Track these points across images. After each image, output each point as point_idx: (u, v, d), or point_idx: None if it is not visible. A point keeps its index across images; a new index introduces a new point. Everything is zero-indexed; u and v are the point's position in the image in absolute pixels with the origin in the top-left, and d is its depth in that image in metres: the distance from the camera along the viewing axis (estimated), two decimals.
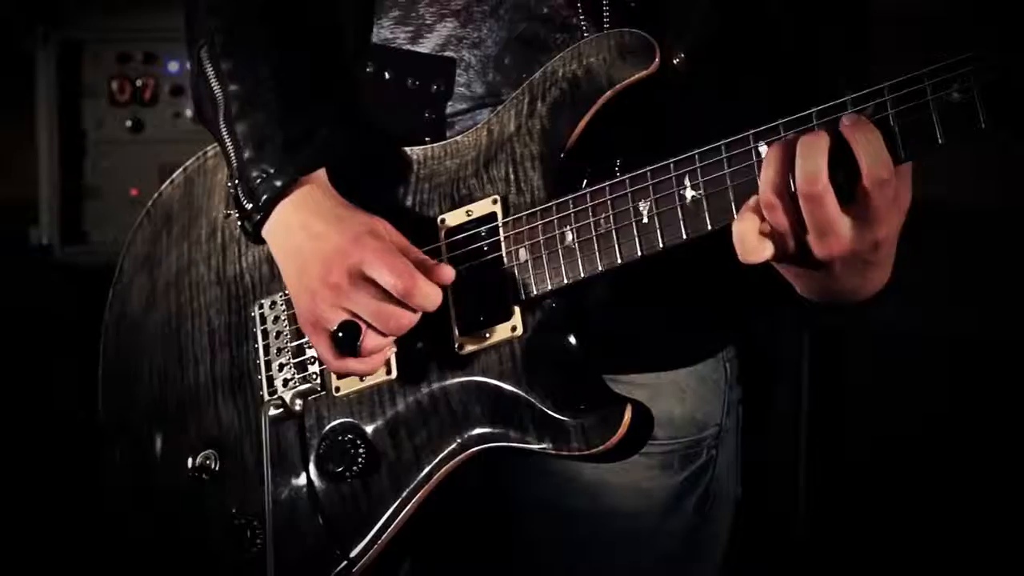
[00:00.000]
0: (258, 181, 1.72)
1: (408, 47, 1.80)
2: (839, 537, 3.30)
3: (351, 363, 1.68)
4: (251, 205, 1.73)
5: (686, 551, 1.88)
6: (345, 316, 1.65)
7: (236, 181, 1.75)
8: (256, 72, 1.78)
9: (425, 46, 1.79)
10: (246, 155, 1.74)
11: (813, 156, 1.41)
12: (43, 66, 3.49)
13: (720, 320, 1.86)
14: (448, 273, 1.67)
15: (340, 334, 1.64)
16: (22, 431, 3.49)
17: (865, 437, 3.30)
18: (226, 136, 1.77)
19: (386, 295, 1.64)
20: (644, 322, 1.77)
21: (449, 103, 1.79)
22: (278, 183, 1.72)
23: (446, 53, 1.78)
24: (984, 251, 3.12)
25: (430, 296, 1.65)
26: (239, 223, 1.78)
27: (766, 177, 1.44)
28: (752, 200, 1.47)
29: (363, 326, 1.64)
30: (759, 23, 1.73)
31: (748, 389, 1.94)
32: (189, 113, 3.50)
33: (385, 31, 1.82)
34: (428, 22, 1.79)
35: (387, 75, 1.82)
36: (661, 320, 1.78)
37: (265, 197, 1.72)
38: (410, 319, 1.65)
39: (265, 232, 1.75)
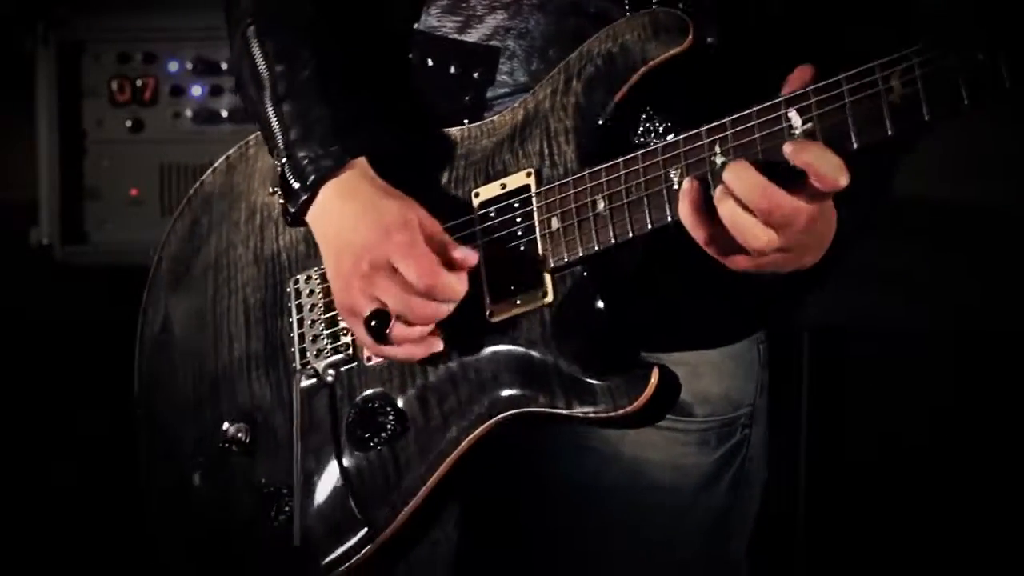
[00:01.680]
0: (305, 161, 1.76)
1: (455, 36, 1.83)
2: (839, 537, 3.30)
3: (387, 349, 1.72)
4: (299, 184, 1.76)
5: (720, 527, 1.91)
6: (376, 305, 1.69)
7: (283, 160, 1.78)
8: (303, 53, 1.81)
9: (472, 36, 1.83)
10: (293, 135, 1.78)
11: (748, 184, 1.49)
12: (43, 66, 3.49)
13: (754, 303, 1.88)
14: (471, 258, 1.70)
15: (372, 323, 1.68)
16: (22, 431, 3.49)
17: (865, 436, 3.30)
18: (272, 116, 1.80)
19: (412, 288, 1.67)
20: (685, 302, 1.80)
21: (490, 89, 1.82)
22: (327, 163, 1.75)
23: (492, 42, 1.82)
24: (984, 248, 3.12)
25: (454, 288, 1.68)
26: (281, 203, 1.81)
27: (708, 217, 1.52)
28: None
29: (392, 316, 1.68)
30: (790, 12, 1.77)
31: (772, 375, 1.96)
32: (189, 113, 3.50)
33: (432, 19, 1.85)
34: (479, 13, 1.82)
35: (430, 62, 1.85)
36: (700, 301, 1.80)
37: (313, 178, 1.75)
38: (436, 312, 1.69)
39: (308, 215, 1.78)
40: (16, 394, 3.48)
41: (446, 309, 1.69)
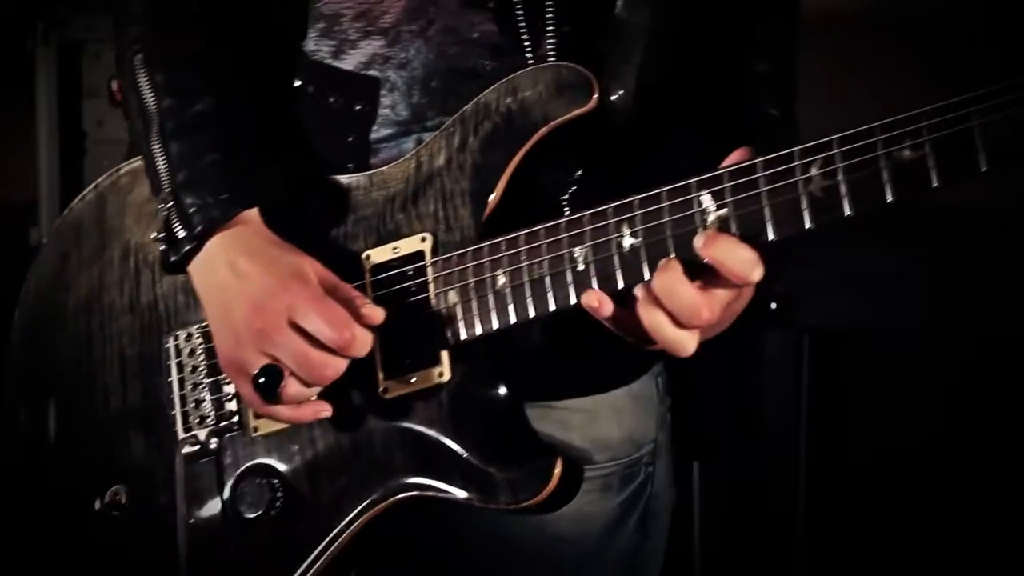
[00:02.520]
0: (192, 210, 1.63)
1: (329, 62, 1.72)
2: (839, 537, 3.30)
3: (278, 410, 1.61)
4: (184, 233, 1.63)
5: (630, 570, 1.85)
6: (267, 361, 1.56)
7: (169, 204, 1.65)
8: (196, 87, 1.69)
9: (348, 63, 1.72)
10: (180, 178, 1.65)
11: (677, 295, 1.41)
12: (43, 66, 3.49)
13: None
14: (377, 314, 1.59)
15: (261, 379, 1.56)
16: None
17: (865, 437, 3.30)
18: (158, 153, 1.67)
19: (313, 342, 1.56)
20: (577, 347, 1.69)
21: (373, 127, 1.71)
22: (215, 213, 1.62)
23: (370, 72, 1.70)
24: (982, 250, 3.13)
25: (365, 342, 1.56)
26: (163, 250, 1.66)
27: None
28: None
29: (286, 372, 1.56)
30: (698, 59, 1.69)
31: (676, 398, 1.91)
32: None
33: (310, 42, 1.74)
34: (352, 38, 1.71)
35: (310, 90, 1.75)
36: (593, 343, 1.66)
37: (201, 228, 1.62)
38: (336, 369, 1.57)
39: (191, 265, 1.65)
40: None
41: (343, 366, 1.57)
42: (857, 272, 3.06)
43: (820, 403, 3.29)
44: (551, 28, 1.66)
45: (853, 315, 3.14)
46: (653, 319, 1.43)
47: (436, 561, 1.78)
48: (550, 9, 1.66)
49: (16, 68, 3.48)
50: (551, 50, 1.66)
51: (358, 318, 1.57)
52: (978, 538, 3.14)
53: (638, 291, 1.45)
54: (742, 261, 1.39)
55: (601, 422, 1.78)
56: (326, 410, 1.62)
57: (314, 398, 1.61)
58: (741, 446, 3.39)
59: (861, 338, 3.27)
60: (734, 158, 1.44)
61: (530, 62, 1.65)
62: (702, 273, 1.42)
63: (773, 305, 3.05)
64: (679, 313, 1.41)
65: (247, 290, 1.59)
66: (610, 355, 1.72)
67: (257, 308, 1.58)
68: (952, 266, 3.11)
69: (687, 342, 1.44)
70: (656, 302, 1.43)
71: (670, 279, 1.42)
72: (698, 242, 1.40)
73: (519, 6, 1.66)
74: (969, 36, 3.14)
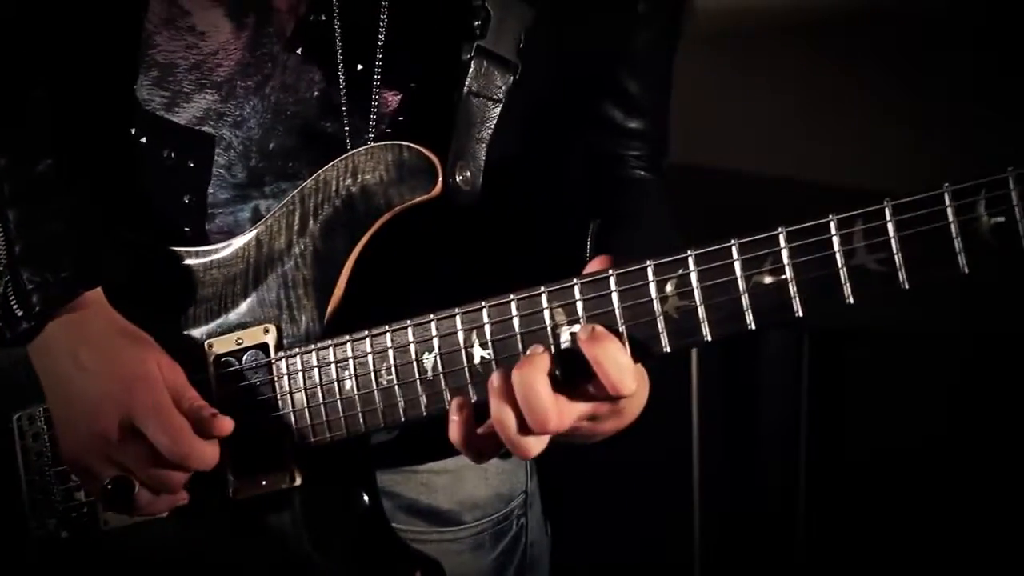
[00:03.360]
0: (31, 286, 1.51)
1: (162, 114, 1.63)
2: (839, 537, 3.30)
3: (139, 506, 1.52)
4: (22, 312, 1.52)
5: None
6: (114, 470, 1.49)
7: (5, 279, 1.54)
8: (33, 147, 1.58)
9: (181, 116, 1.62)
10: (18, 250, 1.53)
11: (534, 398, 1.30)
12: None
13: None
14: (226, 426, 1.49)
15: (111, 489, 1.49)
16: None
17: (865, 437, 3.30)
18: None
19: (155, 452, 1.48)
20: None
21: (209, 189, 1.62)
22: (55, 293, 1.52)
23: (204, 128, 1.62)
24: None
25: (206, 457, 1.48)
26: None
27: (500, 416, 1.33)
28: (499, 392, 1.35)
29: (136, 484, 1.49)
30: (556, 132, 1.63)
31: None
32: None
33: (143, 91, 1.63)
34: (186, 90, 1.62)
35: (143, 141, 1.64)
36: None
37: (39, 308, 1.51)
38: (183, 478, 1.50)
39: (30, 345, 1.55)
40: None
41: (183, 479, 1.50)
42: None
43: (820, 403, 3.29)
44: (399, 89, 1.59)
45: (853, 315, 3.13)
46: (501, 414, 1.33)
47: None
48: (401, 69, 1.59)
49: None
50: (395, 111, 1.59)
51: (204, 430, 1.49)
52: (978, 538, 3.14)
53: (493, 378, 1.34)
54: (619, 367, 1.29)
55: (466, 482, 1.73)
56: (182, 498, 1.54)
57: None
58: (741, 446, 3.39)
59: (861, 338, 3.27)
60: (594, 266, 1.37)
61: (371, 125, 1.58)
62: (565, 383, 1.33)
63: None
64: (529, 412, 1.31)
65: (89, 389, 1.50)
66: None
67: (99, 411, 1.49)
68: None
69: (531, 447, 1.34)
70: (508, 396, 1.32)
71: (531, 373, 1.31)
72: (582, 334, 1.31)
73: (370, 63, 1.59)
74: (968, 36, 3.14)
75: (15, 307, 1.53)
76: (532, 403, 1.30)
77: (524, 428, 1.32)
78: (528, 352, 1.35)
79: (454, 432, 1.37)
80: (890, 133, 3.15)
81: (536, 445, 1.34)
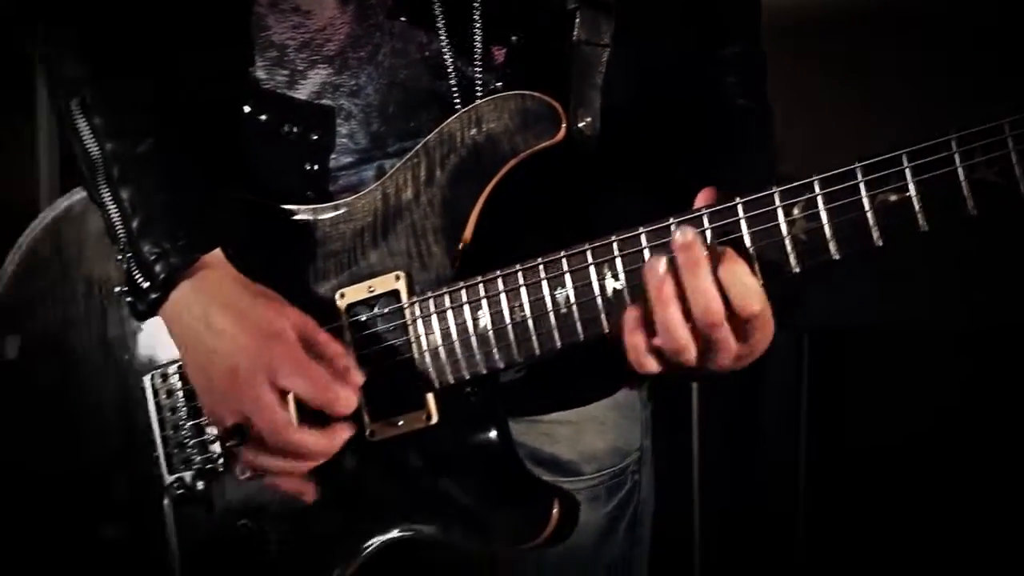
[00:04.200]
0: (152, 258, 1.57)
1: (284, 91, 1.68)
2: (839, 537, 3.30)
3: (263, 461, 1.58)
4: (148, 284, 1.58)
5: (622, 574, 1.85)
6: (238, 419, 1.54)
7: (128, 255, 1.60)
8: (139, 127, 1.64)
9: (301, 92, 1.68)
10: (135, 224, 1.59)
11: (702, 287, 1.37)
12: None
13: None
14: (359, 377, 1.55)
15: (227, 441, 1.56)
16: None
17: (865, 436, 3.30)
18: (108, 200, 1.63)
19: (283, 415, 1.53)
20: (560, 362, 1.64)
21: (332, 156, 1.67)
22: (175, 261, 1.57)
23: (323, 101, 1.67)
24: (982, 248, 3.13)
25: (350, 403, 1.54)
26: (128, 301, 1.62)
27: (659, 299, 1.39)
28: (635, 315, 1.42)
29: (249, 436, 1.54)
30: (663, 72, 1.68)
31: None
32: None
33: (262, 71, 1.69)
34: (300, 68, 1.67)
35: (263, 118, 1.69)
36: (576, 357, 1.64)
37: (163, 277, 1.57)
38: (303, 442, 1.54)
39: (161, 312, 1.61)
40: None
41: (312, 444, 1.54)
42: (856, 272, 3.05)
43: (820, 402, 3.29)
44: (502, 43, 1.64)
45: (853, 313, 3.14)
46: (665, 301, 1.39)
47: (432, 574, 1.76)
48: (501, 24, 1.63)
49: (16, 68, 3.48)
50: (503, 65, 1.64)
51: (341, 378, 1.54)
52: (978, 535, 3.14)
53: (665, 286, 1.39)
54: (744, 287, 1.36)
55: (586, 434, 1.77)
56: (309, 494, 1.59)
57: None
58: (741, 445, 3.39)
59: (861, 336, 3.27)
60: (701, 198, 1.42)
61: (479, 79, 1.63)
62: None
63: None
64: (698, 302, 1.37)
65: (223, 348, 1.55)
66: (592, 368, 1.71)
67: (234, 370, 1.54)
68: (952, 263, 3.10)
69: (637, 341, 1.41)
70: (675, 288, 1.38)
71: (704, 271, 1.37)
72: (710, 255, 1.37)
73: (470, 22, 1.64)
74: (968, 36, 3.14)
75: (140, 280, 1.59)
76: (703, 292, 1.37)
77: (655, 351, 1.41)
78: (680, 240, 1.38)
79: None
80: (890, 133, 3.15)
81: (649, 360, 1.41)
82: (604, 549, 1.81)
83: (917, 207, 1.32)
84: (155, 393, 1.71)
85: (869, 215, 1.34)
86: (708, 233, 1.40)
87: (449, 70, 1.64)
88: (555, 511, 1.55)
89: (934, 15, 3.24)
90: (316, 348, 1.55)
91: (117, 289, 1.70)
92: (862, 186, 1.34)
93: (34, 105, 3.51)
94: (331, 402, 1.53)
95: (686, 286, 1.38)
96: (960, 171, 1.30)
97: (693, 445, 3.25)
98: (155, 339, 1.70)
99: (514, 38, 1.63)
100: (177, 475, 1.69)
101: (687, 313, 1.38)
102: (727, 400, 3.36)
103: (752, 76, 1.75)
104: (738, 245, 1.38)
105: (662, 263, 1.38)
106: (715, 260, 1.37)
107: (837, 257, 1.36)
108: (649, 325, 1.41)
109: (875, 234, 1.34)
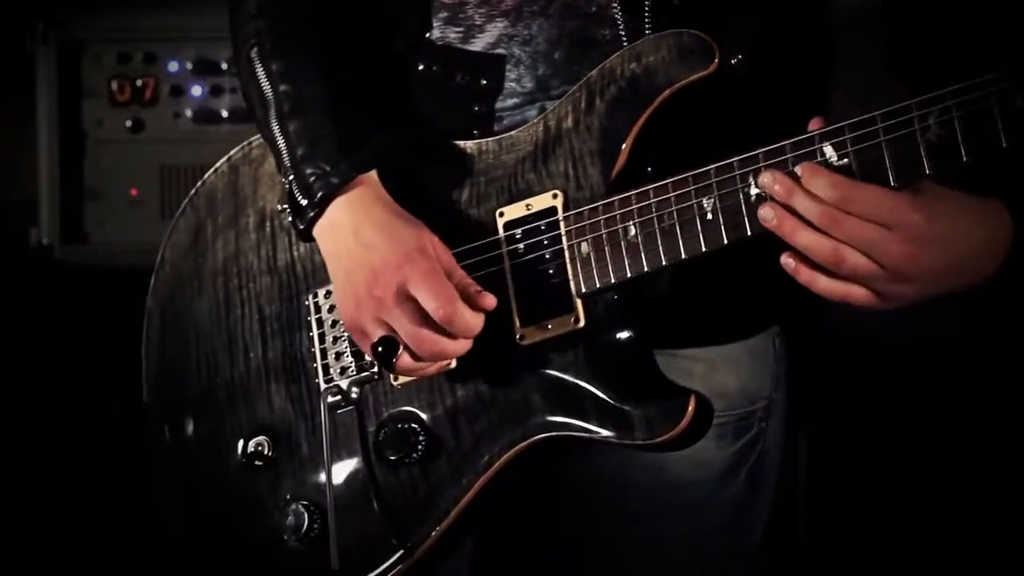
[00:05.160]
0: (312, 178, 1.76)
1: (459, 46, 1.84)
2: (839, 536, 3.30)
3: (399, 367, 1.71)
4: (306, 201, 1.76)
5: (738, 520, 1.94)
6: (384, 331, 1.68)
7: (291, 177, 1.78)
8: (308, 73, 1.82)
9: (476, 45, 1.83)
10: (299, 152, 1.78)
11: (866, 199, 1.50)
12: (43, 66, 3.49)
13: (768, 296, 1.89)
14: (490, 301, 1.70)
15: (379, 349, 1.67)
16: (22, 431, 3.49)
17: (865, 437, 3.30)
18: (278, 134, 1.81)
19: (426, 317, 1.67)
20: (701, 298, 1.81)
21: (499, 98, 1.83)
22: (334, 180, 1.75)
23: (497, 51, 1.82)
24: None
25: (470, 324, 1.67)
26: (290, 219, 1.80)
27: (808, 203, 1.51)
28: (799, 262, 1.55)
29: (401, 345, 1.67)
30: (812, 24, 1.82)
31: (792, 365, 1.98)
32: (189, 113, 3.50)
33: (435, 31, 1.85)
34: (478, 23, 1.83)
35: (435, 70, 1.85)
36: (717, 296, 1.81)
37: (321, 194, 1.75)
38: (445, 348, 1.68)
39: (316, 230, 1.78)
40: (15, 394, 3.48)
41: (454, 349, 1.69)
42: None
43: (820, 402, 3.29)
44: (668, 3, 1.75)
45: (853, 315, 3.13)
46: (787, 226, 1.52)
47: (556, 503, 1.88)
48: None
49: (16, 68, 3.48)
50: (668, 17, 1.75)
51: (471, 300, 1.69)
52: (978, 536, 3.14)
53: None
54: (878, 197, 1.48)
55: (720, 372, 1.88)
56: (451, 364, 1.73)
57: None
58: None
59: (862, 338, 3.27)
60: (814, 125, 1.54)
61: (648, 29, 1.74)
62: None
63: None
64: (811, 216, 1.50)
65: (369, 258, 1.71)
66: (730, 309, 1.86)
67: (376, 276, 1.69)
68: None
69: (824, 243, 1.51)
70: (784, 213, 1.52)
71: (790, 188, 1.51)
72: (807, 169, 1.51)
73: None
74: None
75: (300, 198, 1.77)
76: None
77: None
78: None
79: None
80: None
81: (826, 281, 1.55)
82: (725, 488, 1.90)
83: None
84: (316, 309, 1.88)
85: (999, 121, 1.44)
86: (848, 142, 1.51)
87: (617, 22, 1.75)
88: (691, 407, 1.66)
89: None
90: (453, 274, 1.70)
91: (279, 207, 1.89)
92: (992, 95, 1.44)
93: (34, 105, 3.50)
94: (450, 316, 1.65)
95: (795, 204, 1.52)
96: None
97: None
98: (318, 263, 1.86)
99: (675, 2, 1.75)
100: (333, 383, 1.84)
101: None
102: None
103: None
104: (876, 153, 1.50)
105: (765, 209, 1.53)
106: (802, 178, 1.50)
107: (966, 159, 1.46)
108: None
109: (1002, 137, 1.44)
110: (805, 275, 1.56)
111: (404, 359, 1.68)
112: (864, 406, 3.31)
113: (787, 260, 1.55)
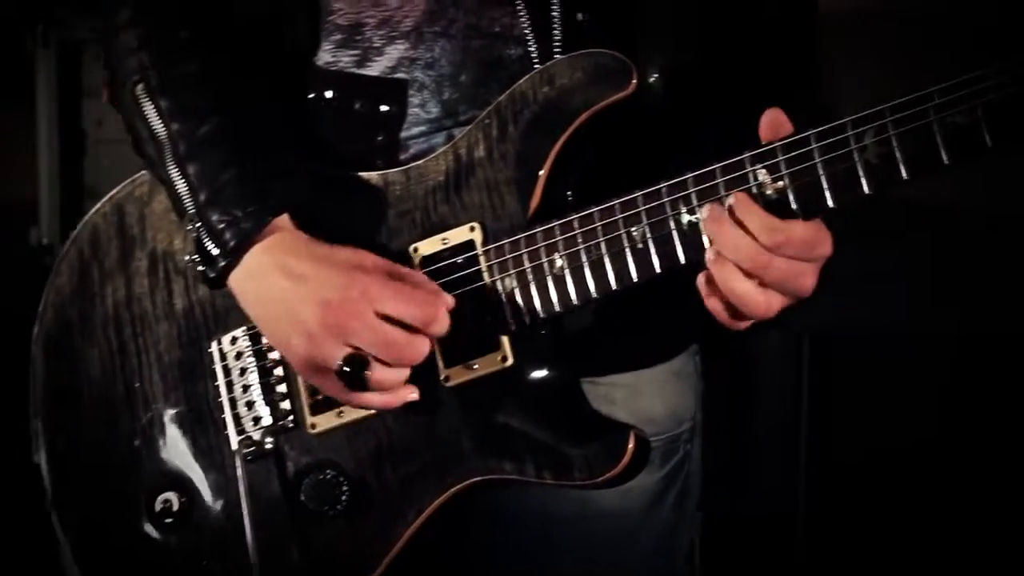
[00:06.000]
0: (222, 226, 1.63)
1: (353, 71, 1.74)
2: (839, 537, 3.30)
3: (369, 397, 1.61)
4: (218, 251, 1.63)
5: (668, 544, 1.89)
6: (349, 351, 1.58)
7: (197, 224, 1.65)
8: (200, 109, 1.69)
9: (374, 69, 1.73)
10: (202, 197, 1.65)
11: (731, 243, 1.47)
12: (43, 66, 3.49)
13: (688, 314, 1.81)
14: (449, 298, 1.61)
15: (347, 369, 1.58)
16: (22, 431, 3.49)
17: (864, 438, 3.30)
18: (176, 177, 1.68)
19: (392, 324, 1.58)
20: (621, 323, 1.73)
21: (403, 126, 1.73)
22: (246, 226, 1.62)
23: (397, 75, 1.72)
24: (977, 252, 3.13)
25: (443, 321, 1.59)
26: (200, 269, 1.67)
27: (743, 242, 1.48)
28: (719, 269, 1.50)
29: (370, 359, 1.58)
30: (730, 39, 1.74)
31: (711, 383, 1.96)
32: None
33: (327, 55, 1.75)
34: (377, 45, 1.73)
35: (331, 97, 1.75)
36: (637, 319, 1.73)
37: (234, 243, 1.62)
38: (420, 349, 1.59)
39: (231, 279, 1.66)
40: (15, 394, 3.47)
41: (426, 346, 1.59)
42: (856, 274, 3.05)
43: (820, 403, 3.29)
44: (574, 15, 1.69)
45: (852, 317, 3.14)
46: (722, 272, 1.48)
47: (482, 539, 1.81)
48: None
49: (16, 68, 3.48)
50: (578, 36, 1.68)
51: (436, 297, 1.60)
52: (976, 537, 3.14)
53: (708, 252, 1.50)
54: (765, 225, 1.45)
55: (644, 397, 1.82)
56: (413, 392, 1.62)
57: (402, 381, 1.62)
58: (741, 448, 3.39)
59: (860, 340, 3.27)
60: (767, 118, 1.49)
61: (558, 49, 1.68)
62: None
63: None
64: (743, 262, 1.47)
65: (311, 290, 1.60)
66: (651, 332, 1.79)
67: (327, 304, 1.58)
68: (948, 268, 3.11)
69: (758, 297, 1.49)
70: (721, 257, 1.48)
71: (725, 228, 1.47)
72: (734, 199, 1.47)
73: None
74: (968, 36, 3.14)
75: (211, 247, 1.64)
76: (742, 252, 1.47)
77: (747, 275, 1.48)
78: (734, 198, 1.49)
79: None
80: None
81: (760, 296, 1.49)
82: (653, 515, 1.85)
83: (984, 128, 1.38)
84: (221, 357, 1.76)
85: (938, 137, 1.40)
86: (782, 164, 1.47)
87: (525, 40, 1.69)
88: (631, 444, 1.59)
89: (934, 15, 3.24)
90: (398, 276, 1.61)
91: (187, 258, 1.74)
92: (931, 110, 1.40)
93: (34, 105, 3.51)
94: (432, 319, 1.58)
95: (726, 252, 1.48)
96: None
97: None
98: (220, 306, 1.75)
99: (588, 13, 1.69)
100: (245, 435, 1.73)
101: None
102: (727, 402, 3.36)
103: (802, 48, 1.83)
104: (812, 174, 1.45)
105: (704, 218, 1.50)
106: (736, 211, 1.46)
107: (907, 178, 1.42)
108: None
109: (943, 155, 1.40)
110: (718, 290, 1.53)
111: (378, 372, 1.58)
112: (863, 408, 3.31)
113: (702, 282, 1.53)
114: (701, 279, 1.52)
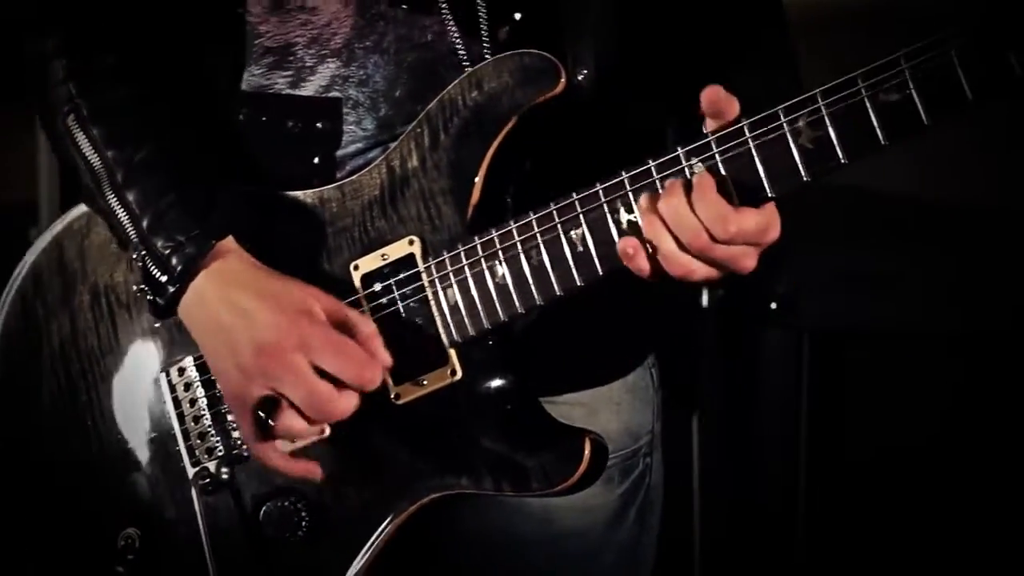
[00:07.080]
0: (167, 251, 1.61)
1: (287, 91, 1.72)
2: (839, 537, 3.30)
3: (270, 456, 1.61)
4: (165, 277, 1.62)
5: (632, 560, 1.87)
6: (268, 392, 1.56)
7: (142, 252, 1.63)
8: (135, 135, 1.67)
9: (307, 89, 1.71)
10: (145, 223, 1.63)
11: (711, 204, 1.45)
12: None
13: (642, 328, 1.85)
14: (387, 359, 1.59)
15: (260, 413, 1.56)
16: None
17: (864, 437, 3.30)
18: (116, 206, 1.66)
19: (318, 380, 1.56)
20: (573, 342, 1.73)
21: (340, 144, 1.71)
22: (191, 250, 1.61)
23: (331, 94, 1.70)
24: (980, 250, 3.13)
25: (377, 380, 1.57)
26: (149, 298, 1.65)
27: (689, 222, 1.46)
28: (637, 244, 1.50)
29: (283, 404, 1.55)
30: (657, 32, 1.72)
31: (669, 392, 1.95)
32: None
33: (259, 78, 1.73)
34: (309, 64, 1.71)
35: (264, 119, 1.73)
36: (589, 337, 1.73)
37: (180, 268, 1.61)
38: (345, 406, 1.56)
39: (180, 306, 1.64)
40: None
41: (352, 403, 1.56)
42: (856, 272, 3.05)
43: (820, 403, 3.29)
44: (503, 18, 1.67)
45: (853, 315, 3.14)
46: (652, 227, 1.47)
47: (446, 561, 1.79)
48: (505, 3, 1.67)
49: (16, 70, 3.47)
50: (506, 40, 1.67)
51: (369, 349, 1.56)
52: (978, 537, 3.14)
53: (643, 200, 1.49)
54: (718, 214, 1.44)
55: (600, 415, 1.80)
56: (315, 473, 1.62)
57: (311, 439, 1.61)
58: (741, 446, 3.39)
59: (861, 338, 3.27)
60: (708, 94, 1.47)
61: (487, 53, 1.66)
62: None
63: (773, 305, 3.05)
64: (681, 235, 1.45)
65: (252, 327, 1.58)
66: (605, 349, 1.78)
67: (261, 346, 1.56)
68: (950, 266, 3.11)
69: (680, 258, 1.47)
70: (662, 224, 1.47)
71: (676, 202, 1.46)
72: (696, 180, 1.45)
73: (473, 4, 1.67)
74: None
75: (158, 275, 1.63)
76: (683, 223, 1.45)
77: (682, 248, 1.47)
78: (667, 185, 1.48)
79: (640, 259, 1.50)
80: None
81: (694, 264, 1.48)
82: (616, 531, 1.83)
83: (919, 103, 1.38)
84: (172, 388, 1.74)
85: (872, 117, 1.40)
86: (717, 155, 1.46)
87: (457, 50, 1.67)
88: (587, 450, 1.59)
89: (933, 15, 3.23)
90: (347, 327, 1.58)
91: (135, 288, 1.72)
92: (863, 89, 1.40)
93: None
94: (366, 382, 1.56)
95: (669, 223, 1.46)
96: (960, 70, 1.37)
97: (693, 446, 3.25)
98: (167, 337, 1.74)
99: (517, 15, 1.67)
100: (200, 466, 1.71)
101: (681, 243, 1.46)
102: (727, 401, 3.36)
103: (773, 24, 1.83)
104: (748, 163, 1.45)
105: (644, 199, 1.48)
106: (689, 192, 1.45)
107: (845, 161, 1.42)
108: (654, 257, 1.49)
109: (880, 135, 1.40)
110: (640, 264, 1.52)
111: (283, 421, 1.56)
112: (864, 407, 3.31)
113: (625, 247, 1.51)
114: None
